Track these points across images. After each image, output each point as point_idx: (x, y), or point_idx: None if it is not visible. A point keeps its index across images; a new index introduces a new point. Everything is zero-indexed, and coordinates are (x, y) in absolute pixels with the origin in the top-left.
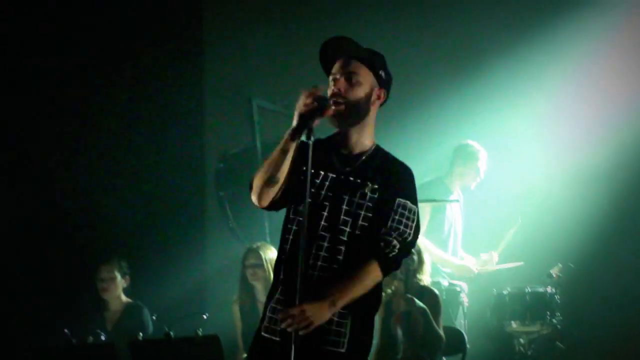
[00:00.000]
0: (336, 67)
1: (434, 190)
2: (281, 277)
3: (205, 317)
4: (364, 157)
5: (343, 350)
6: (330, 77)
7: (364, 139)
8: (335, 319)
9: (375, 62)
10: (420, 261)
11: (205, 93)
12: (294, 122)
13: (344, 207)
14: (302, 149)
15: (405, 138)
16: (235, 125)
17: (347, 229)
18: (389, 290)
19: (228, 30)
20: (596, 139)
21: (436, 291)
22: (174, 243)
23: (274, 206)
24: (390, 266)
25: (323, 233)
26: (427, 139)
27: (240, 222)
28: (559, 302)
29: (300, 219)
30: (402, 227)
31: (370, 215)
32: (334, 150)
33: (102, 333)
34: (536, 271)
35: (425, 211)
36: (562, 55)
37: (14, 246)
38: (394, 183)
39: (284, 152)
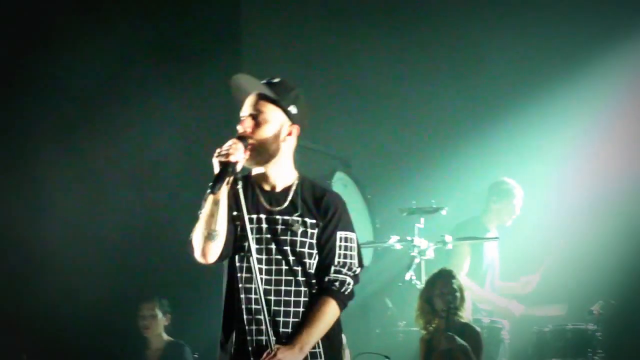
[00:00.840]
0: (244, 107)
1: (471, 229)
2: (241, 327)
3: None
4: (291, 193)
5: None
6: (240, 116)
7: (284, 174)
8: (310, 351)
9: (283, 99)
10: (462, 298)
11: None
12: (216, 170)
13: (287, 248)
14: (230, 194)
15: (441, 176)
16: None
17: (299, 269)
18: (430, 328)
19: (267, 66)
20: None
21: (477, 328)
22: (214, 281)
23: (220, 260)
24: (347, 302)
25: (277, 277)
26: (464, 176)
27: None
28: (600, 339)
29: (246, 265)
30: (348, 261)
31: (314, 251)
32: (257, 189)
33: None
34: (577, 308)
35: (465, 251)
36: (598, 90)
37: (61, 284)
38: (330, 216)
39: (216, 202)
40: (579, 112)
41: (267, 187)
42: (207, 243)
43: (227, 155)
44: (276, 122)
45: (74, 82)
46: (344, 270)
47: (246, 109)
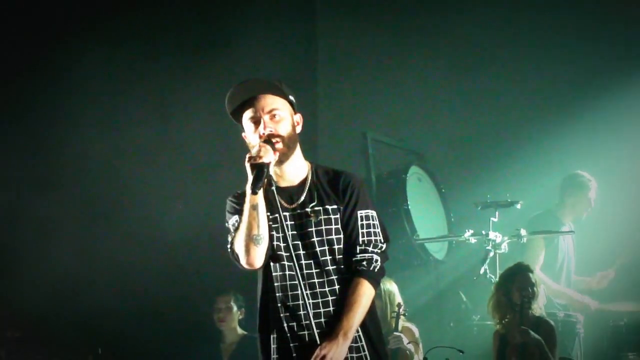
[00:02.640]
0: (254, 109)
1: (545, 223)
2: (280, 325)
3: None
4: (308, 184)
5: None
6: (249, 121)
7: (299, 166)
8: (352, 345)
9: (285, 91)
10: (535, 292)
11: (318, 126)
12: (250, 175)
13: (315, 239)
14: (243, 201)
15: (516, 168)
16: (349, 158)
17: (329, 257)
18: (505, 322)
19: (342, 63)
20: None
21: (552, 322)
22: None
23: (264, 264)
24: (379, 279)
25: (309, 271)
26: (539, 170)
27: None
28: None
29: (280, 264)
30: (372, 238)
31: (341, 236)
32: (275, 189)
33: None
34: None
35: (539, 244)
36: None
37: (131, 281)
38: (348, 197)
39: (254, 207)
40: None
41: (283, 184)
42: (253, 248)
43: (260, 157)
44: (289, 115)
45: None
46: (370, 249)
47: (260, 110)
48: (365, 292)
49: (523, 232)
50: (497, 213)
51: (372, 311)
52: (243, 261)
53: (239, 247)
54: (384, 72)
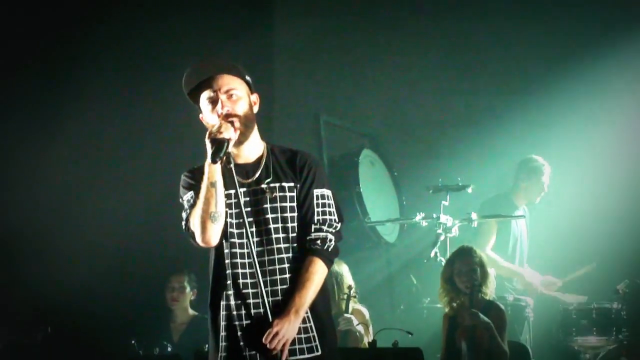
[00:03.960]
0: (211, 90)
1: (499, 206)
2: (228, 303)
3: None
4: (264, 160)
5: (319, 353)
6: (207, 101)
7: (256, 144)
8: (301, 325)
9: (241, 71)
10: (485, 275)
11: (273, 108)
12: (210, 149)
13: (270, 215)
14: (200, 177)
15: (468, 154)
16: (303, 140)
17: (282, 235)
18: (454, 304)
19: (297, 46)
20: None
21: (502, 306)
22: None
23: (218, 242)
24: (332, 258)
25: (260, 249)
26: (490, 154)
27: None
28: (625, 318)
29: (231, 241)
30: (328, 217)
31: (296, 214)
32: (230, 168)
33: (169, 344)
34: (602, 287)
35: (491, 227)
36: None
37: (85, 261)
38: (305, 175)
39: (213, 184)
40: (608, 87)
41: (240, 161)
42: (209, 226)
43: (220, 132)
44: (246, 95)
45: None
46: (325, 227)
47: (217, 90)
48: (318, 271)
49: (474, 215)
50: (448, 197)
51: (323, 291)
52: (199, 239)
53: (196, 224)
54: (340, 55)
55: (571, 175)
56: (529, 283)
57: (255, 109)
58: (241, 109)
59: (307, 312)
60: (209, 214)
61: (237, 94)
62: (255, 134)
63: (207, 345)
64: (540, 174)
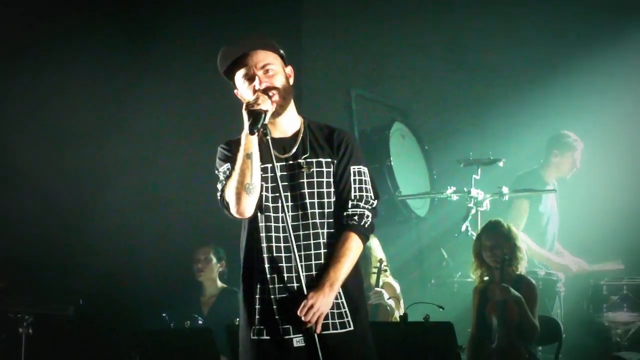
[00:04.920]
0: (247, 67)
1: (530, 182)
2: (263, 277)
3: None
4: (301, 136)
5: (352, 328)
6: (243, 78)
7: (293, 118)
8: (333, 301)
9: (274, 45)
10: (516, 250)
11: (302, 82)
12: (247, 120)
13: (306, 190)
14: (236, 149)
15: (499, 127)
16: (333, 114)
17: (317, 210)
18: (485, 279)
19: (327, 18)
20: None
21: (532, 281)
22: None
23: (252, 214)
24: (368, 234)
25: (296, 223)
26: (522, 128)
27: None
28: None
29: (266, 215)
30: (365, 194)
31: (333, 189)
32: (267, 140)
33: (199, 317)
34: (635, 263)
35: (523, 204)
36: None
37: (116, 234)
38: (342, 152)
39: (249, 155)
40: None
41: (277, 135)
42: (244, 197)
43: (258, 104)
44: (281, 68)
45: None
46: (362, 204)
47: (253, 66)
48: (354, 246)
49: (505, 189)
50: (479, 170)
51: (356, 267)
52: (233, 210)
53: (230, 195)
54: (370, 28)
55: (605, 153)
56: (561, 265)
57: (291, 81)
58: (279, 81)
59: (339, 288)
60: (244, 185)
61: (273, 69)
62: (292, 108)
63: (237, 319)
64: (573, 150)
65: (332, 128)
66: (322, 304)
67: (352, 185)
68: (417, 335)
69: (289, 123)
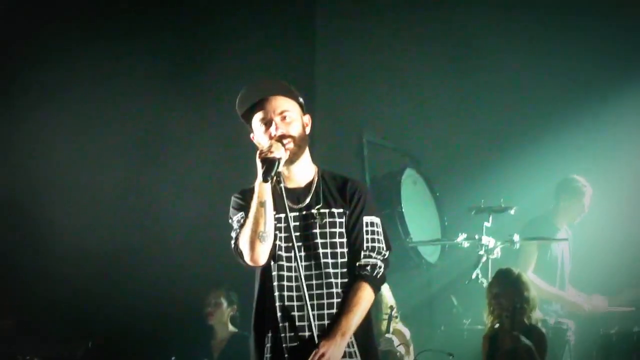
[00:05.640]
0: (265, 111)
1: (540, 228)
2: (275, 325)
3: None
4: (314, 186)
5: None
6: (260, 122)
7: (307, 168)
8: (345, 349)
9: (294, 92)
10: (530, 299)
11: (314, 127)
12: (261, 168)
13: (319, 240)
14: (250, 198)
15: (510, 174)
16: (345, 159)
17: (330, 260)
18: (495, 326)
19: (340, 65)
20: None
21: (543, 330)
22: None
23: (266, 262)
24: (380, 285)
25: (309, 273)
26: (533, 175)
27: None
28: None
29: (278, 264)
30: (377, 245)
31: (345, 240)
32: (280, 189)
33: None
34: None
35: (532, 249)
36: None
37: (124, 273)
38: (355, 202)
39: (262, 204)
40: None
41: (291, 185)
42: (258, 245)
43: (271, 152)
44: (299, 116)
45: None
46: (374, 255)
47: (271, 112)
48: (366, 297)
49: (516, 237)
50: (490, 218)
51: (367, 315)
52: (247, 258)
53: (244, 243)
54: (382, 75)
55: (613, 196)
56: (573, 303)
57: (308, 130)
58: (294, 130)
59: (351, 337)
60: (258, 234)
61: (290, 116)
62: (306, 157)
63: None
64: (582, 195)
65: (345, 178)
66: (333, 352)
67: (365, 236)
68: None
69: (302, 172)
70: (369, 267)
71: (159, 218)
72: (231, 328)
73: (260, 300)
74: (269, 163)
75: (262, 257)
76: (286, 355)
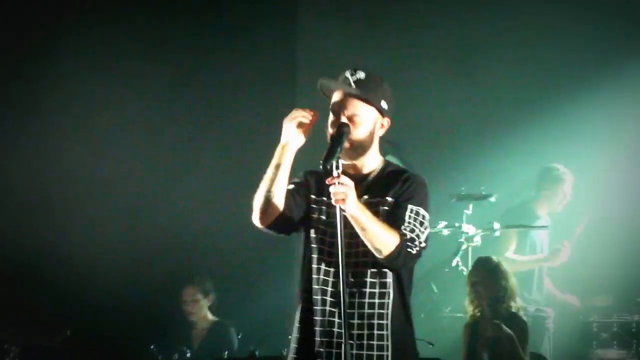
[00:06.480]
0: (337, 104)
1: (520, 215)
2: (313, 306)
3: (291, 337)
4: (372, 176)
5: None
6: (333, 107)
7: (370, 161)
8: (375, 348)
9: (374, 98)
10: (510, 288)
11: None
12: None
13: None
14: (312, 179)
15: (491, 161)
16: (325, 144)
17: (370, 251)
18: (477, 314)
19: (322, 49)
20: None
21: (524, 318)
22: (261, 261)
23: (274, 227)
24: (399, 255)
25: (349, 260)
26: (514, 163)
27: None
28: None
29: (321, 247)
30: (415, 235)
31: None
32: (340, 172)
33: (188, 350)
34: (624, 300)
35: (512, 235)
36: None
37: (105, 264)
38: (404, 190)
39: (278, 166)
40: (632, 96)
41: (350, 171)
42: (263, 205)
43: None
44: (370, 120)
45: None
46: (409, 234)
47: (342, 109)
48: (392, 237)
49: (496, 225)
50: (470, 206)
51: (408, 320)
52: (254, 215)
53: (255, 201)
54: (362, 61)
55: (597, 184)
56: (555, 252)
57: (381, 132)
58: (358, 133)
59: (385, 340)
60: (265, 192)
61: (359, 120)
62: (370, 154)
63: (226, 352)
64: (562, 183)
65: (405, 171)
66: (351, 190)
67: (407, 220)
68: None
69: (362, 164)
70: (408, 236)
71: (136, 204)
72: (211, 317)
73: (302, 284)
74: (333, 143)
75: (264, 219)
76: (317, 338)
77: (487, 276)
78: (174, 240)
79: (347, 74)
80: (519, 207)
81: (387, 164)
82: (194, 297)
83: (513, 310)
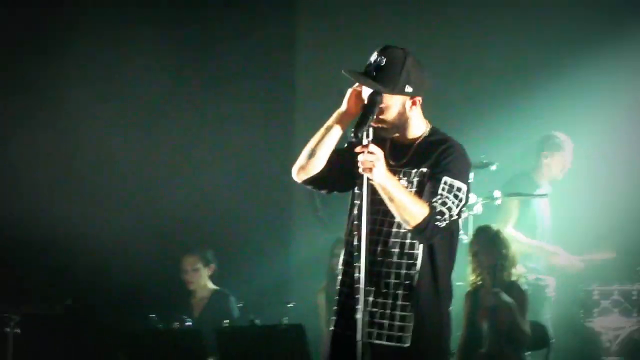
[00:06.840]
0: (364, 89)
1: (521, 184)
2: (351, 271)
3: (290, 305)
4: (416, 144)
5: (407, 345)
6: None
7: (414, 129)
8: (398, 318)
9: (396, 86)
10: (509, 256)
11: (296, 83)
12: (361, 115)
13: None
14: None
15: (492, 131)
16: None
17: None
18: (478, 283)
19: (321, 32)
20: None
21: (524, 287)
22: (261, 232)
23: (311, 183)
24: (426, 227)
25: (387, 229)
26: (514, 131)
27: (328, 212)
28: None
29: (359, 215)
30: (446, 208)
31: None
32: (387, 141)
33: (188, 319)
34: (625, 267)
35: (512, 205)
36: None
37: (105, 234)
38: (441, 160)
39: (328, 128)
40: (632, 65)
41: (396, 140)
42: (304, 161)
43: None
44: (396, 106)
45: None
46: (439, 207)
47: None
48: (420, 208)
49: (497, 193)
50: (471, 174)
51: (438, 291)
52: (293, 168)
53: (300, 155)
54: (363, 29)
55: (594, 152)
56: (554, 253)
57: (415, 109)
58: (387, 119)
59: (410, 308)
60: (309, 150)
61: (384, 108)
62: (411, 125)
63: (227, 321)
64: (562, 150)
65: (445, 140)
66: (381, 161)
67: (440, 192)
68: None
69: (408, 133)
70: (437, 209)
71: (133, 178)
72: (211, 286)
73: (345, 251)
74: (363, 118)
75: (301, 173)
76: (351, 302)
77: (488, 244)
78: (178, 209)
79: (372, 58)
80: (519, 176)
81: (432, 131)
82: (194, 266)
83: (514, 277)
